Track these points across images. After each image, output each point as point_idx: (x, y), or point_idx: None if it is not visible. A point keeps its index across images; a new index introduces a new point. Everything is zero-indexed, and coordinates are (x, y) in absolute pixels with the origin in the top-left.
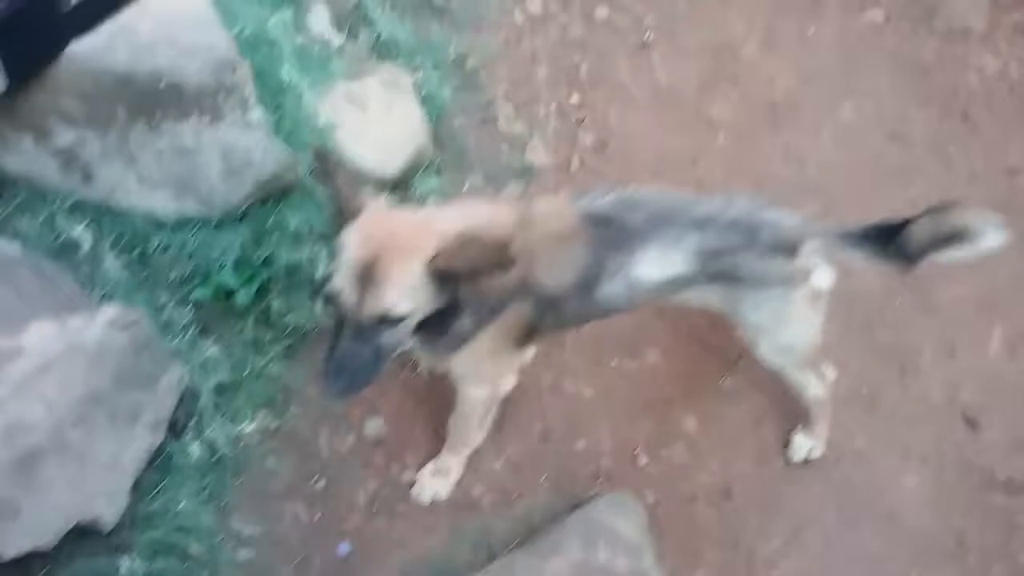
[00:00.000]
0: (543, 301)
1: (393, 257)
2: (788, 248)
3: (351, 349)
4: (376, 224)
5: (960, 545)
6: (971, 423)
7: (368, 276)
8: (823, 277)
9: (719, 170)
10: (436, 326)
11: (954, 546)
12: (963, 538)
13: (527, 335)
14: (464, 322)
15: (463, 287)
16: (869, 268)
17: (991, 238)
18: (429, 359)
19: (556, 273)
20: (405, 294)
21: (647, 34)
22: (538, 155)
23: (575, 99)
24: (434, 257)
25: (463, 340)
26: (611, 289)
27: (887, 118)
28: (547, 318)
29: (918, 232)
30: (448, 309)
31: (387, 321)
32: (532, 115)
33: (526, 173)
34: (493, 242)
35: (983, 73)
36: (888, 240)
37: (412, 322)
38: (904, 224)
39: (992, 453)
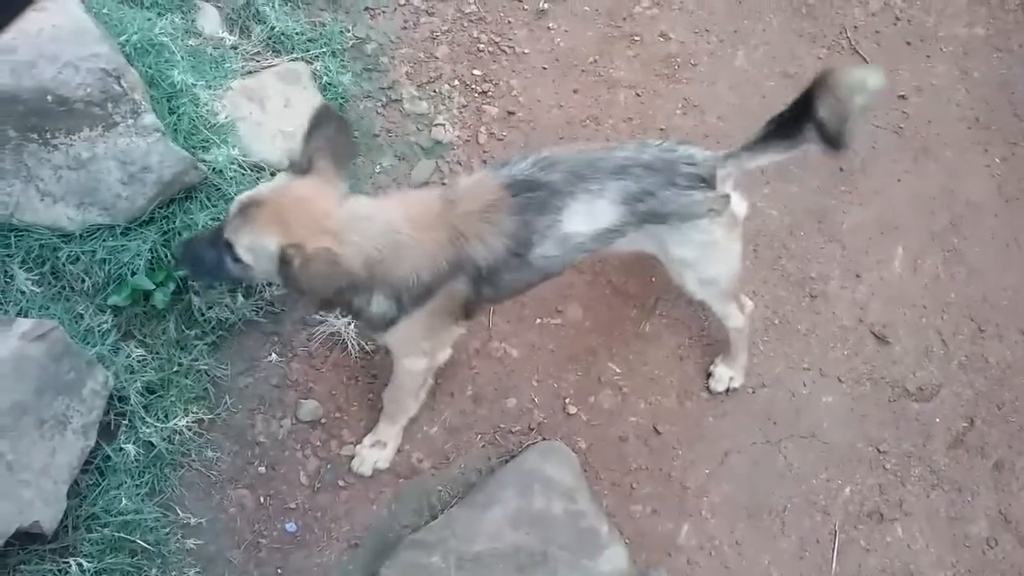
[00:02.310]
0: (478, 276)
1: (268, 217)
2: (705, 179)
3: (203, 244)
4: (299, 185)
5: (879, 453)
6: (880, 339)
7: (247, 210)
8: (738, 205)
9: (624, 128)
10: (339, 309)
11: (874, 454)
12: (881, 446)
13: (465, 310)
14: (383, 307)
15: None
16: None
17: (873, 81)
18: (365, 332)
19: (486, 246)
20: (250, 247)
21: (542, 2)
22: (446, 131)
23: (477, 72)
24: (286, 245)
25: (389, 323)
26: (545, 250)
27: (779, 60)
28: (484, 291)
29: (831, 109)
30: (353, 295)
31: (231, 251)
32: (436, 93)
33: (436, 150)
34: (336, 265)
35: (867, 7)
36: (787, 129)
37: (255, 275)
38: (792, 108)
39: (902, 365)
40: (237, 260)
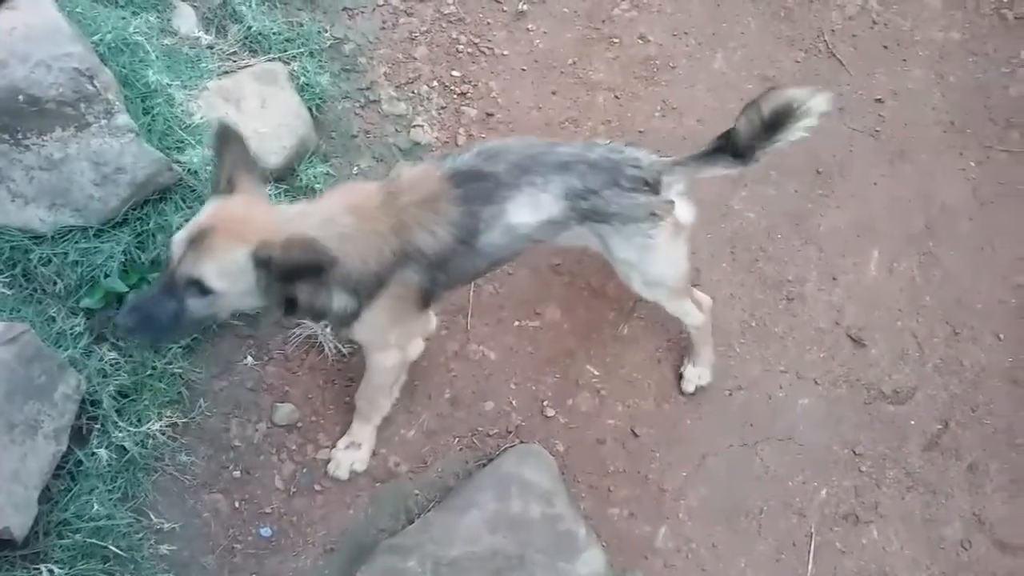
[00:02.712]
0: (429, 264)
1: (226, 234)
2: (650, 184)
3: (156, 298)
4: (233, 204)
5: (855, 455)
6: (857, 342)
7: (198, 241)
8: (684, 211)
9: (603, 130)
10: (310, 310)
11: (850, 456)
12: (857, 448)
13: (423, 298)
14: (343, 301)
15: (302, 286)
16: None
17: (819, 104)
18: (335, 331)
19: (432, 236)
20: (222, 271)
21: (521, 4)
22: (424, 132)
23: (456, 74)
24: (257, 246)
25: (351, 316)
26: (491, 239)
27: (757, 63)
28: (438, 279)
29: (748, 127)
30: (301, 300)
31: (198, 287)
32: (415, 94)
33: (414, 151)
34: (308, 243)
35: (844, 11)
36: (736, 145)
37: (227, 303)
38: (744, 125)
39: (878, 368)
40: (206, 293)
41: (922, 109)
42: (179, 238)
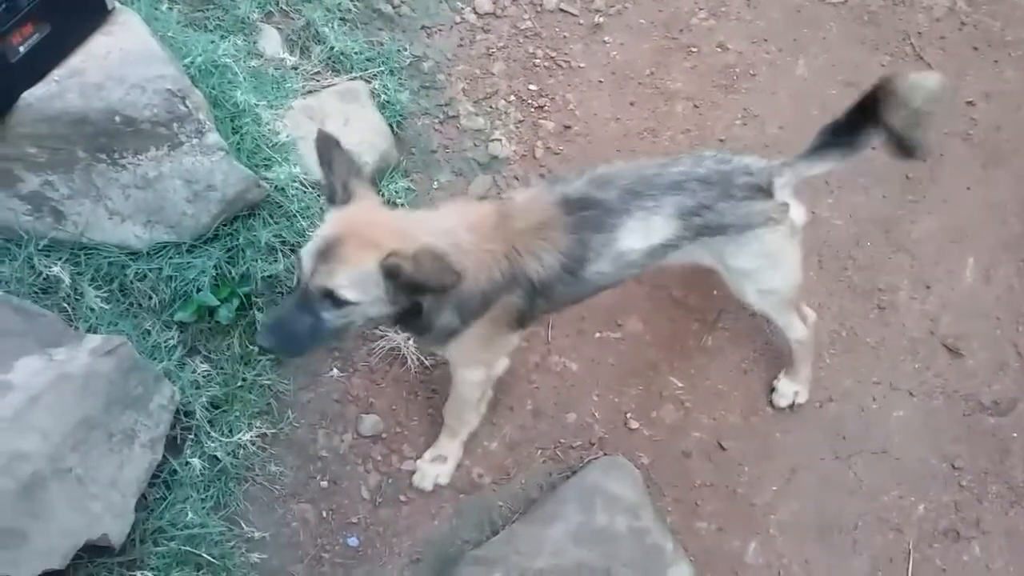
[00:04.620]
0: (532, 290)
1: (355, 244)
2: (763, 189)
3: (293, 313)
4: (356, 212)
5: (954, 469)
6: (953, 351)
7: (328, 252)
8: (797, 213)
9: (682, 139)
10: (417, 323)
11: (948, 471)
12: (956, 462)
13: (519, 321)
14: (448, 318)
15: (427, 296)
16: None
17: (930, 82)
18: (425, 346)
19: (541, 263)
20: (354, 281)
21: (597, 16)
22: (502, 146)
23: (533, 87)
24: (387, 256)
25: (451, 334)
26: (599, 267)
27: (841, 68)
28: (538, 304)
29: (857, 113)
30: (424, 309)
31: (332, 299)
32: (493, 108)
33: (492, 165)
34: (438, 258)
35: (931, 13)
36: (843, 137)
37: (361, 312)
38: (849, 116)
39: (976, 378)
40: (341, 304)
41: (1016, 111)
42: (308, 251)
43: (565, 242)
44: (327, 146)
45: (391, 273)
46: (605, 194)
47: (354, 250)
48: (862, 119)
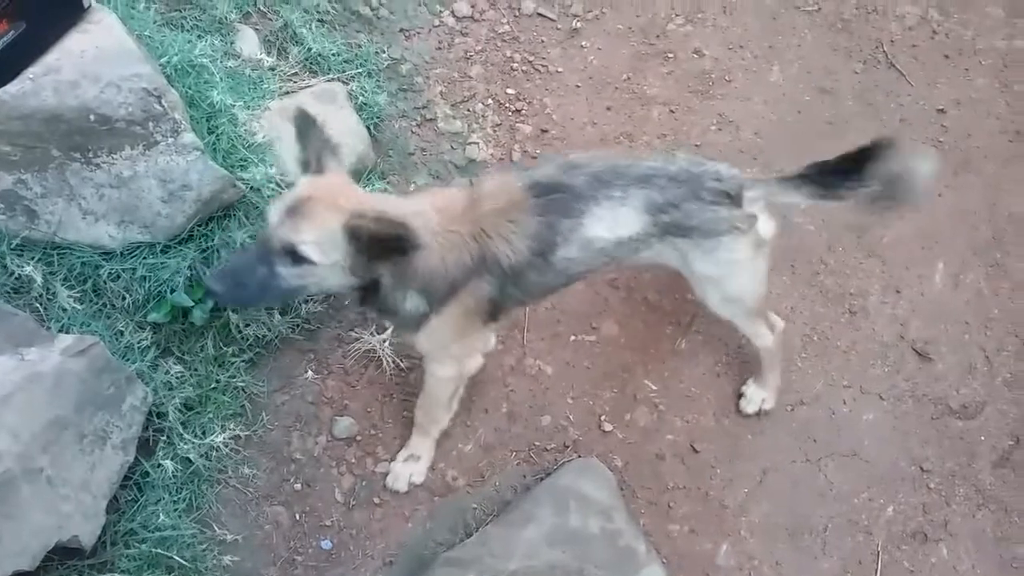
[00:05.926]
0: (503, 276)
1: (323, 205)
2: (732, 196)
3: (249, 261)
4: (327, 181)
5: (923, 472)
6: (922, 355)
7: (296, 209)
8: (765, 226)
9: (658, 144)
10: (378, 301)
11: (917, 473)
12: (925, 465)
13: (491, 312)
14: (415, 301)
15: (386, 267)
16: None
17: (923, 165)
18: (399, 338)
19: (509, 246)
20: (318, 239)
21: (575, 21)
22: (479, 150)
23: (511, 91)
24: (349, 217)
25: (419, 319)
26: (568, 253)
27: (815, 75)
28: (509, 292)
29: (843, 163)
30: (383, 285)
31: (292, 255)
32: (470, 112)
33: (470, 168)
34: (399, 220)
35: (903, 22)
36: (824, 180)
37: (318, 276)
38: (839, 162)
39: (945, 382)
40: (300, 261)
41: (986, 119)
42: (276, 206)
43: (533, 225)
44: (305, 123)
45: (354, 234)
46: (573, 179)
47: (322, 210)
48: (852, 168)
